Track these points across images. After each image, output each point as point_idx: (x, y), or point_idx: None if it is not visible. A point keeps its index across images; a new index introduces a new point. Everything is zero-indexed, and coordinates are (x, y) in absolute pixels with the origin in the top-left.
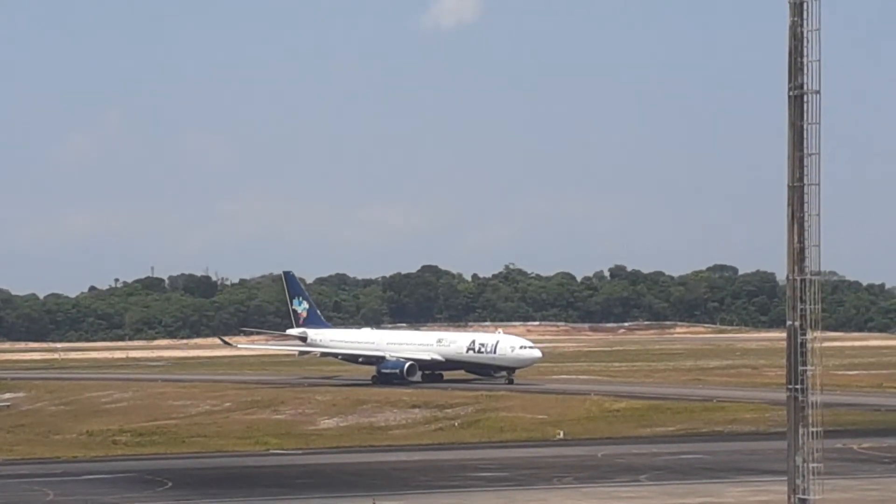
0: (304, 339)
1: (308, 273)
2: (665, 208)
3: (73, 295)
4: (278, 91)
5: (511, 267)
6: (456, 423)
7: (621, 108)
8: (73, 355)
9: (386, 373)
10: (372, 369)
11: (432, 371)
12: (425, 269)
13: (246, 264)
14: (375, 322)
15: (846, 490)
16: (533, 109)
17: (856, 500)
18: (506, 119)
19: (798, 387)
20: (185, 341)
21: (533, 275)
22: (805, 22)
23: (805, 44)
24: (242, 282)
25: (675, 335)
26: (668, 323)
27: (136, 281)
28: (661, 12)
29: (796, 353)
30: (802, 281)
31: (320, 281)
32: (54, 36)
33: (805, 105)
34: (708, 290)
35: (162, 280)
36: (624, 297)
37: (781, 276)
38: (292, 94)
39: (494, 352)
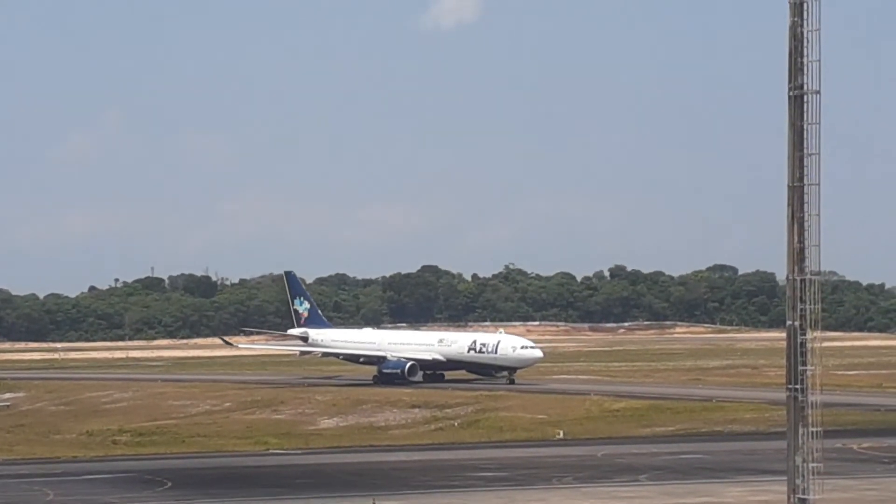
0: (305, 339)
1: (308, 273)
2: (665, 208)
3: (73, 295)
4: (278, 91)
5: (511, 267)
6: (456, 423)
7: (621, 108)
8: (73, 355)
9: (387, 373)
10: (373, 369)
11: (433, 371)
12: (425, 269)
13: (246, 264)
14: (375, 322)
15: (846, 490)
16: (533, 109)
17: (855, 499)
18: (506, 119)
19: (798, 387)
20: (184, 341)
21: (533, 275)
22: (805, 22)
23: (805, 44)
24: (242, 282)
25: (675, 335)
26: (667, 323)
27: (136, 281)
28: (661, 12)
29: (796, 352)
30: (802, 281)
31: (320, 281)
32: (54, 36)
33: (805, 105)
34: (708, 290)
35: (162, 280)
36: (624, 297)
37: (781, 275)
38: (292, 94)
39: (496, 352)
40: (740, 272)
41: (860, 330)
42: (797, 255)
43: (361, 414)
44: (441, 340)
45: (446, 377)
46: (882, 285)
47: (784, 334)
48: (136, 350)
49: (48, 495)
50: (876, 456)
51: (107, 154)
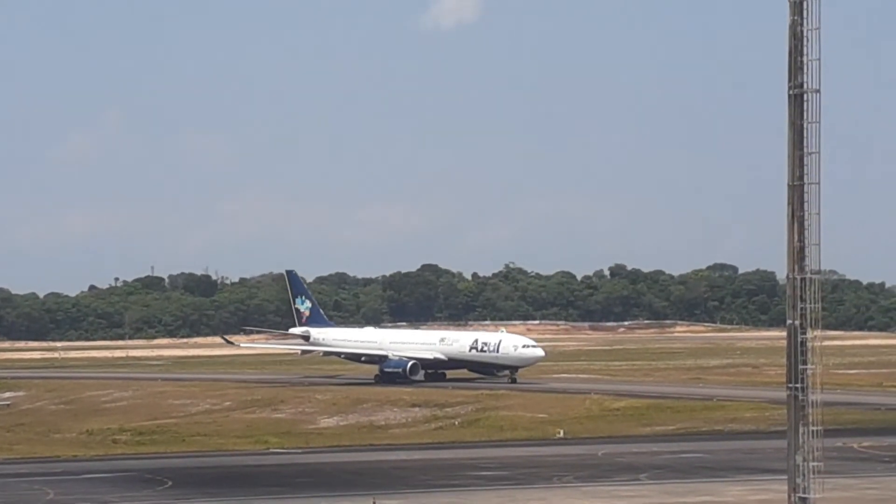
0: (306, 337)
1: (308, 272)
2: (665, 207)
3: (73, 294)
4: (278, 91)
5: (511, 266)
6: (456, 422)
7: (621, 108)
8: (73, 354)
9: (389, 372)
10: (375, 368)
11: (435, 370)
12: (425, 268)
13: (246, 264)
14: (375, 321)
15: (846, 489)
16: (533, 109)
17: (856, 498)
18: (506, 119)
19: (798, 385)
20: (184, 340)
21: (533, 274)
22: (805, 21)
23: (805, 43)
24: (242, 281)
25: (676, 334)
26: (668, 322)
27: (136, 280)
28: (661, 12)
29: (796, 351)
30: (802, 280)
31: (320, 280)
32: (54, 36)
33: (805, 104)
34: (708, 289)
35: (162, 279)
36: (624, 296)
37: (781, 274)
38: (292, 94)
39: (497, 351)
40: (740, 271)
41: (860, 329)
42: (797, 254)
43: (362, 413)
44: (443, 339)
45: (448, 376)
46: (882, 284)
47: (784, 333)
48: (136, 349)
49: (48, 494)
50: (876, 455)
51: (107, 154)
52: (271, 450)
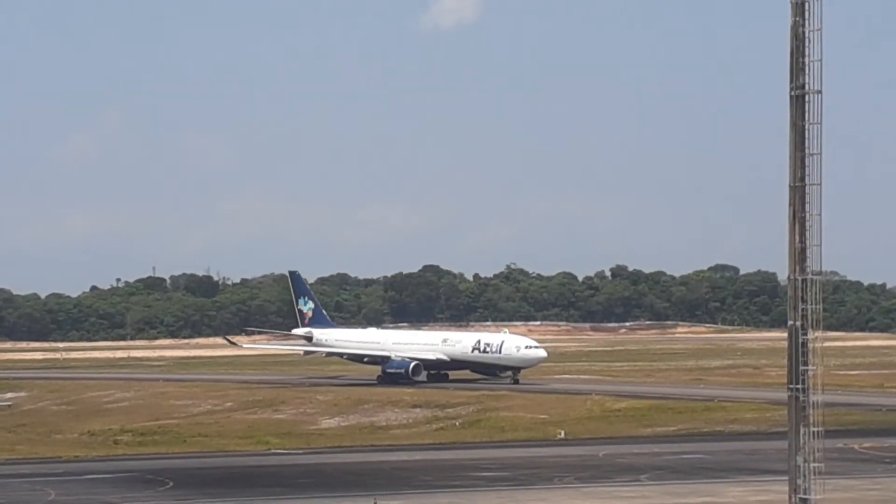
0: (309, 338)
1: (309, 273)
2: (666, 208)
3: (74, 295)
4: (278, 91)
5: (512, 267)
6: (457, 423)
7: (621, 108)
8: (74, 355)
9: (391, 373)
10: (377, 369)
11: (438, 371)
12: (426, 268)
13: (247, 264)
14: (376, 322)
15: (847, 490)
16: (533, 109)
17: (857, 499)
18: (506, 119)
19: (799, 386)
20: (186, 341)
21: (534, 274)
22: (807, 22)
23: (807, 44)
24: (244, 281)
25: (677, 335)
26: (669, 323)
27: (138, 281)
28: (661, 12)
29: (797, 352)
30: (804, 281)
31: (321, 280)
32: (54, 36)
33: (806, 105)
34: (709, 290)
35: (163, 280)
36: (625, 297)
37: (783, 275)
38: (292, 94)
39: (500, 352)
40: (742, 272)
41: (861, 330)
42: (798, 255)
43: (363, 413)
44: (445, 340)
45: (450, 377)
46: (883, 285)
47: (785, 334)
48: (138, 350)
49: (49, 495)
50: (877, 456)
51: (107, 154)
52: (272, 450)
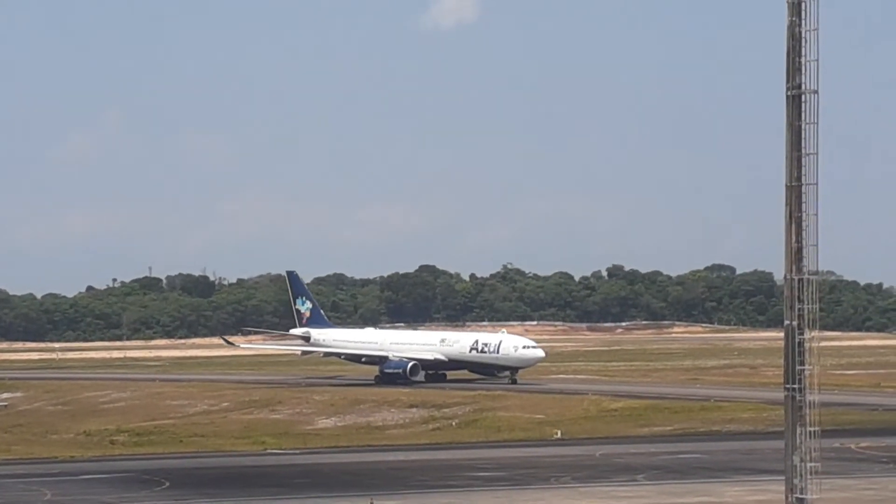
0: (307, 338)
1: (306, 273)
2: (663, 208)
3: (70, 295)
4: (278, 91)
5: (509, 267)
6: (454, 423)
7: (619, 108)
8: (70, 355)
9: (389, 373)
10: (375, 369)
11: (435, 371)
12: (423, 268)
13: (244, 264)
14: (373, 322)
15: (844, 489)
16: (533, 109)
17: (853, 499)
18: (506, 119)
19: (796, 386)
20: (182, 341)
21: (531, 274)
22: (803, 22)
23: (803, 44)
24: (240, 281)
25: (673, 335)
26: (665, 322)
27: (134, 281)
28: (660, 12)
29: (794, 352)
30: (800, 280)
31: (318, 280)
32: (54, 36)
33: (803, 105)
34: (706, 290)
35: (160, 280)
36: (622, 297)
37: (779, 275)
38: (292, 94)
39: (497, 352)
40: (738, 272)
41: (858, 329)
42: (795, 255)
43: (359, 414)
44: (443, 340)
45: (448, 377)
46: (880, 285)
47: (782, 334)
48: (134, 350)
49: (46, 495)
50: (874, 455)
51: (107, 154)
52: (269, 450)
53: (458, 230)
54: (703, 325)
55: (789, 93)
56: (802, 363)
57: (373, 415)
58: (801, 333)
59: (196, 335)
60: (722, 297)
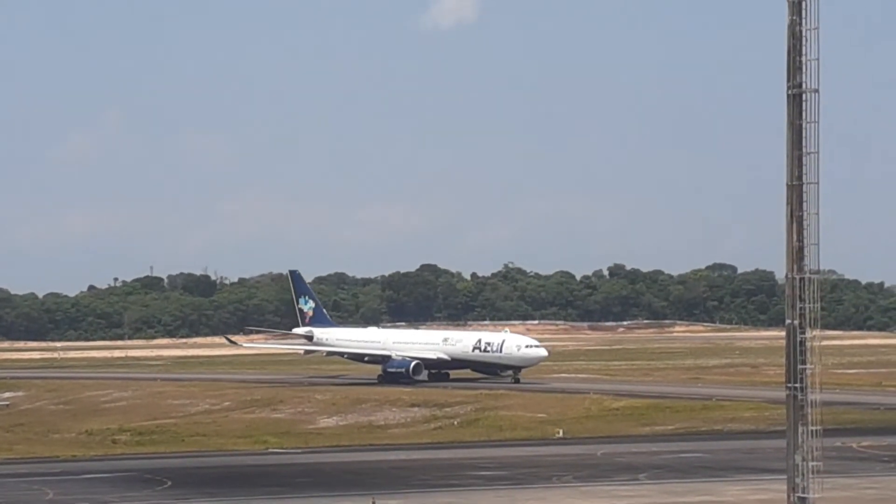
0: (310, 337)
1: (307, 272)
2: (664, 207)
3: (72, 294)
4: (278, 91)
5: (510, 266)
6: (455, 422)
7: (619, 108)
8: (72, 354)
9: (392, 372)
10: (377, 368)
11: (438, 370)
12: (424, 268)
13: (245, 264)
14: (374, 321)
15: (845, 489)
16: (533, 109)
17: (855, 498)
18: (506, 119)
19: (797, 385)
20: (184, 340)
21: (532, 274)
22: (804, 21)
23: (804, 42)
24: (241, 281)
25: (675, 334)
26: (667, 322)
27: (136, 280)
28: (660, 12)
29: (795, 351)
30: (801, 279)
31: (319, 280)
32: (54, 36)
33: (804, 104)
34: (707, 289)
35: (161, 279)
36: (623, 296)
37: (780, 274)
38: (292, 94)
39: (500, 351)
40: (739, 271)
41: (859, 328)
42: (796, 254)
43: (361, 413)
44: (446, 339)
45: (451, 376)
46: (881, 284)
47: (783, 333)
48: (136, 349)
49: (47, 494)
50: (875, 454)
51: (107, 154)
52: (270, 450)
53: (458, 230)
54: (705, 324)
55: (790, 92)
56: (804, 362)
57: (374, 414)
58: (803, 332)
59: (197, 334)
60: (723, 296)
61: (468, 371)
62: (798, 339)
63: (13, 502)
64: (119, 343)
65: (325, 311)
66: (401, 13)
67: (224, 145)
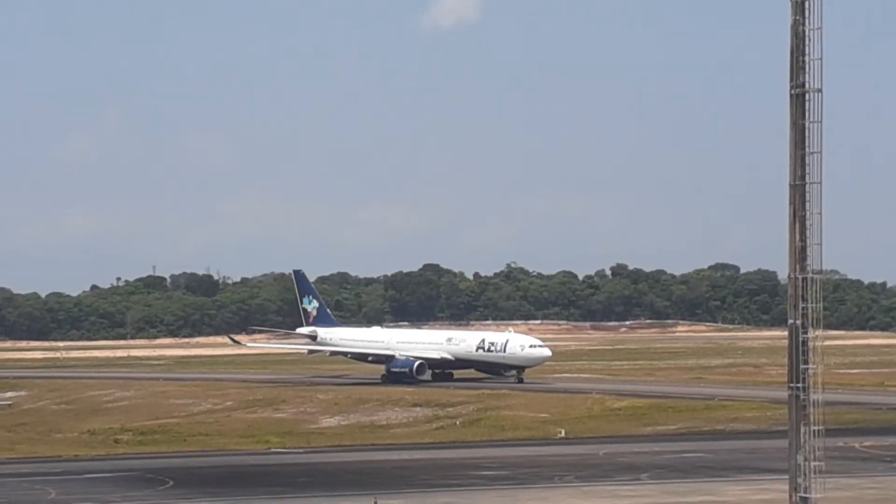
0: (314, 337)
1: (310, 272)
2: (666, 207)
3: (74, 294)
4: (278, 91)
5: (513, 266)
6: (457, 422)
7: (621, 108)
8: (74, 354)
9: (395, 372)
10: (381, 368)
11: (442, 370)
12: (427, 267)
13: (247, 263)
14: (377, 321)
15: (847, 489)
16: (533, 109)
17: (857, 498)
18: (506, 119)
19: (799, 385)
20: (186, 340)
21: (534, 273)
22: (807, 20)
23: (807, 42)
24: (244, 280)
25: (677, 334)
26: (669, 321)
27: (138, 280)
28: (661, 12)
29: (798, 351)
30: (804, 279)
31: (322, 280)
32: (54, 36)
33: (807, 103)
34: (709, 289)
35: (163, 279)
36: (625, 296)
37: (783, 274)
38: (292, 94)
39: (504, 351)
40: (742, 271)
41: (862, 328)
42: (799, 254)
43: (363, 413)
44: (449, 339)
45: (455, 376)
46: (884, 284)
47: (786, 333)
48: (138, 349)
49: (50, 494)
50: (878, 455)
51: (107, 154)
52: (273, 449)
53: (458, 230)
54: (707, 324)
55: (793, 91)
56: (806, 362)
57: (377, 414)
58: (805, 332)
59: (200, 334)
60: (726, 296)
61: (472, 371)
62: (800, 339)
63: (15, 502)
64: (121, 343)
65: (328, 310)
66: (401, 13)
67: (224, 145)
